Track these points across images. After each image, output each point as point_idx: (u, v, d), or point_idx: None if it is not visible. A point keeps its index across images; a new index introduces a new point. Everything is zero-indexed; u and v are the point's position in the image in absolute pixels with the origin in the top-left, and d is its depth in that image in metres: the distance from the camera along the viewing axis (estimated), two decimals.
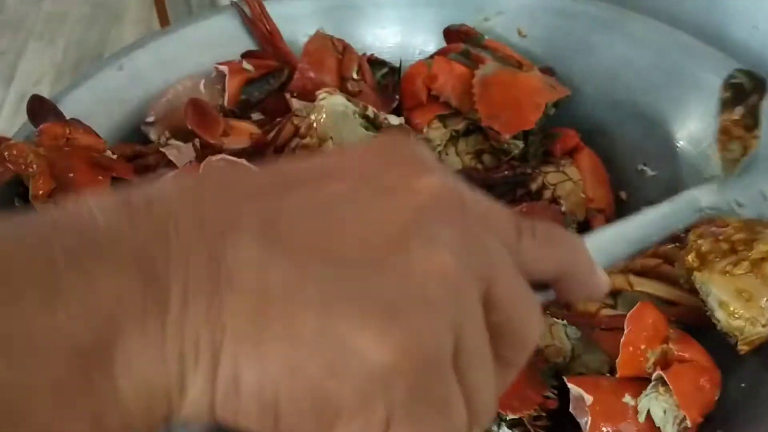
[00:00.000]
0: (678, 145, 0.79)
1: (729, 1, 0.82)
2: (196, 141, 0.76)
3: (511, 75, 0.80)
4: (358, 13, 0.90)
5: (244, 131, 0.72)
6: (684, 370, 0.53)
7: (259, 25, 0.85)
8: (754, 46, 0.80)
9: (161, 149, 0.73)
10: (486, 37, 0.85)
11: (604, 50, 0.83)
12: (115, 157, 0.69)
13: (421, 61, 0.84)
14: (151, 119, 0.80)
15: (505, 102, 0.77)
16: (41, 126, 0.69)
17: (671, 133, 0.79)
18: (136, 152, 0.74)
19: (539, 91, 0.78)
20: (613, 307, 0.62)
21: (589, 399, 0.53)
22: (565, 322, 0.61)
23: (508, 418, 0.55)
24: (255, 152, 0.72)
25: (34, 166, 0.62)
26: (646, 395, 0.53)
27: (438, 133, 0.79)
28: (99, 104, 0.80)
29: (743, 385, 0.58)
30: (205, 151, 0.73)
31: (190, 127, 0.70)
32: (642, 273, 0.63)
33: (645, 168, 0.81)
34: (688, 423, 0.53)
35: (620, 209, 0.79)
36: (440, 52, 0.85)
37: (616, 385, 0.55)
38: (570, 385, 0.55)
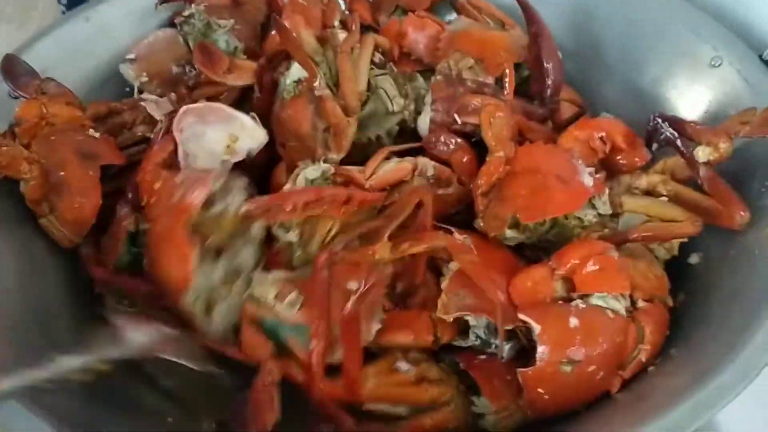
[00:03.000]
0: (640, 88, 0.80)
1: None
2: (172, 95, 0.75)
3: (482, 32, 0.78)
4: None
5: (248, 69, 0.72)
6: (590, 274, 0.57)
7: None
8: None
9: (139, 102, 0.72)
10: None
11: None
12: (98, 136, 0.68)
13: (394, 19, 0.82)
14: (132, 56, 0.80)
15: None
16: (17, 114, 0.67)
17: (633, 79, 0.81)
18: (111, 109, 0.73)
19: (507, 49, 0.76)
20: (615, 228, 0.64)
21: (537, 328, 0.54)
22: None
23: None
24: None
25: (27, 173, 0.63)
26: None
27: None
28: (66, 56, 0.79)
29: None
30: (181, 103, 0.73)
31: (196, 65, 0.71)
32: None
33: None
34: (627, 294, 0.57)
35: None
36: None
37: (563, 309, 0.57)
38: (521, 315, 0.55)
